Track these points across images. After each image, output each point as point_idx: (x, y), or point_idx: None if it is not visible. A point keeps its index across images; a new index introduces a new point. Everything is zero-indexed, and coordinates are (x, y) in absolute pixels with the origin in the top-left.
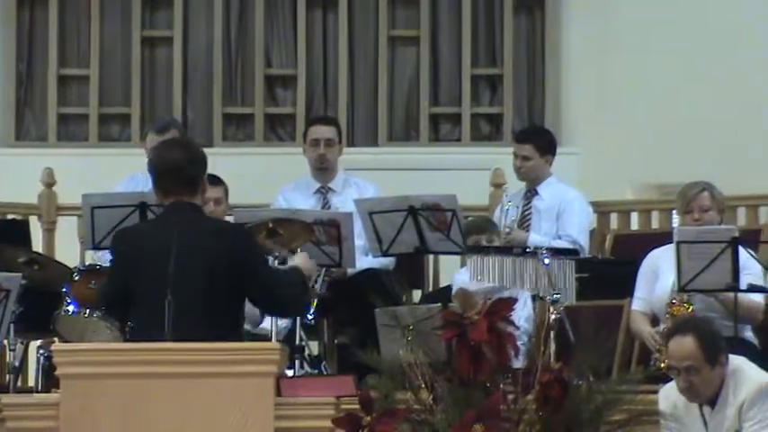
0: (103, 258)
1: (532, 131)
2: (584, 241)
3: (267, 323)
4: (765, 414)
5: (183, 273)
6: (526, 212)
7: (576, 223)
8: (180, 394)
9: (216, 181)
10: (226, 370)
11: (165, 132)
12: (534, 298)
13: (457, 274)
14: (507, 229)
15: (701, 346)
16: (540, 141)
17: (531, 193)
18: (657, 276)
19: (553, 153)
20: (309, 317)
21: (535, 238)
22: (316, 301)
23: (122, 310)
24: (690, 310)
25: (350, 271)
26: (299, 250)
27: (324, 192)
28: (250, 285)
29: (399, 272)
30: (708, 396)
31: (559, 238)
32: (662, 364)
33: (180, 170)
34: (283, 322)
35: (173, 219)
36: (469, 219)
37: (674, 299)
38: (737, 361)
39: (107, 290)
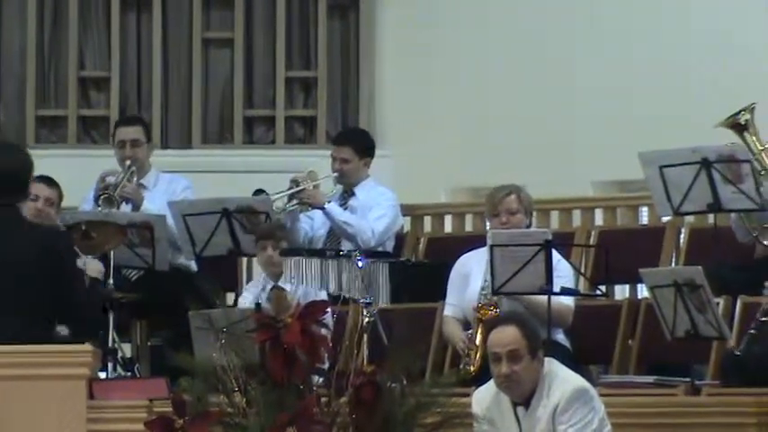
0: None
1: (351, 133)
2: (377, 233)
3: None
4: (579, 418)
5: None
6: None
7: (377, 215)
8: None
9: (52, 183)
10: (37, 372)
11: None
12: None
13: (245, 291)
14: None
15: (524, 335)
16: (358, 144)
17: (347, 193)
18: (468, 281)
19: (371, 155)
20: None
21: (333, 208)
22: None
23: None
24: (496, 312)
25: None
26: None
27: None
28: (59, 292)
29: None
30: (524, 391)
31: None
32: (471, 368)
33: (19, 172)
34: None
35: None
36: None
37: (482, 301)
38: (551, 364)
39: None
